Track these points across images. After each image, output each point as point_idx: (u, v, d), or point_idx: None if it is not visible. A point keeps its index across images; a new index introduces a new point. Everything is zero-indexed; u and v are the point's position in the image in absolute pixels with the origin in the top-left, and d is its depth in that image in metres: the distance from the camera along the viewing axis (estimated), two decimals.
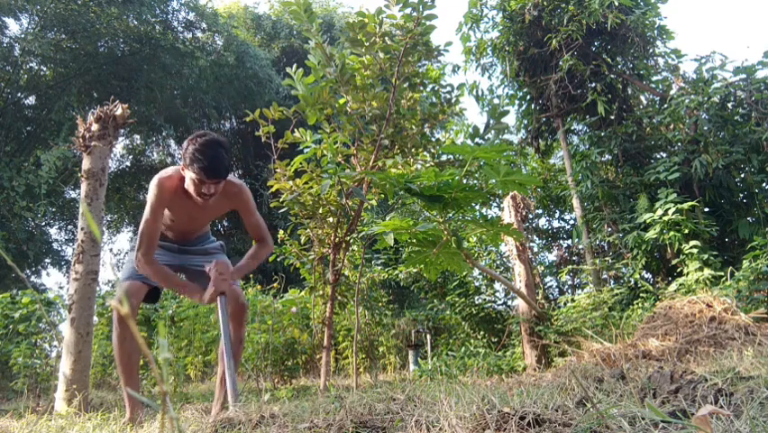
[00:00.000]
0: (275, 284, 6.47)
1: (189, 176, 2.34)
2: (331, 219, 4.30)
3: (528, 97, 8.63)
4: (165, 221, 2.61)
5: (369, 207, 5.33)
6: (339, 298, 4.64)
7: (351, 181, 4.00)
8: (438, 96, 4.29)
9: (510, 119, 9.90)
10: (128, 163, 16.56)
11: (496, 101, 8.71)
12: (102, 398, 4.38)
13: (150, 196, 2.43)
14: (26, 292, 6.24)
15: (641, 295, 6.12)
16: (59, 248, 13.98)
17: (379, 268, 6.97)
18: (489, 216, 6.16)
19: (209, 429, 1.58)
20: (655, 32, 7.48)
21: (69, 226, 14.30)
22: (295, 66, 4.12)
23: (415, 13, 3.76)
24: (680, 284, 5.68)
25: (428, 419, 1.39)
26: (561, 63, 7.55)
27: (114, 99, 3.94)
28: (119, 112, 3.80)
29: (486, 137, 4.12)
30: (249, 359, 5.44)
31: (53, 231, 14.39)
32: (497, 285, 7.55)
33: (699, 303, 4.17)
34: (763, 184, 6.46)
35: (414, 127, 4.21)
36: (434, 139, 4.49)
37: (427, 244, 3.40)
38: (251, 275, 8.29)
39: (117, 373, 2.51)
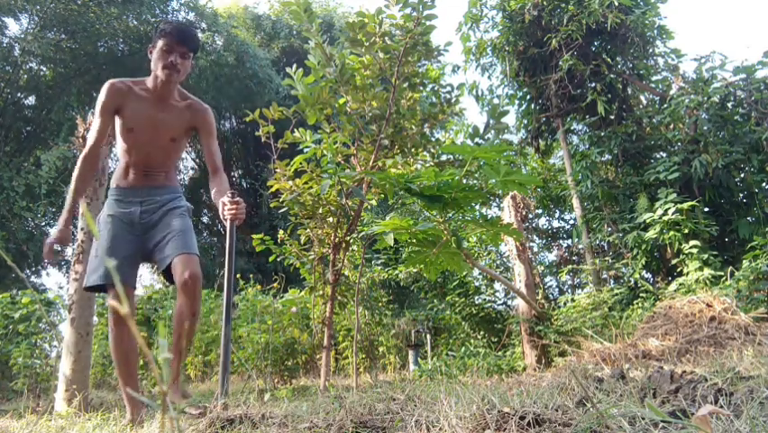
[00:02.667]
0: (275, 284, 6.47)
1: (157, 48, 2.37)
2: (331, 219, 4.30)
3: (528, 97, 8.63)
4: (125, 142, 2.43)
5: (369, 207, 5.33)
6: (339, 298, 4.64)
7: (351, 181, 4.00)
8: (438, 96, 4.29)
9: (510, 119, 9.90)
10: None
11: (496, 101, 8.71)
12: (102, 398, 4.38)
13: (99, 99, 2.39)
14: (26, 292, 6.24)
15: (641, 295, 6.12)
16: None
17: (379, 268, 6.97)
18: (489, 216, 6.16)
19: (209, 429, 1.58)
20: (655, 31, 7.49)
21: (69, 226, 14.28)
22: (295, 66, 4.12)
23: (415, 13, 3.76)
24: (680, 284, 5.68)
25: (428, 419, 1.39)
26: (560, 63, 7.55)
27: None
28: None
29: (486, 137, 4.12)
30: (249, 359, 5.44)
31: (53, 231, 14.39)
32: (497, 285, 7.55)
33: (699, 303, 4.17)
34: (763, 184, 6.46)
35: (414, 127, 4.21)
36: (433, 139, 4.49)
37: (427, 244, 3.40)
38: (251, 275, 8.28)
39: (116, 374, 2.45)
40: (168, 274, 2.39)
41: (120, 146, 2.48)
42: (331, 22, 15.81)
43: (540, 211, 9.77)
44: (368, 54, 4.01)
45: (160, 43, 2.37)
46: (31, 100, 13.00)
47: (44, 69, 12.59)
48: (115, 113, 2.42)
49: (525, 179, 3.01)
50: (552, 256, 10.18)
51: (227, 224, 2.37)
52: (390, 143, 4.18)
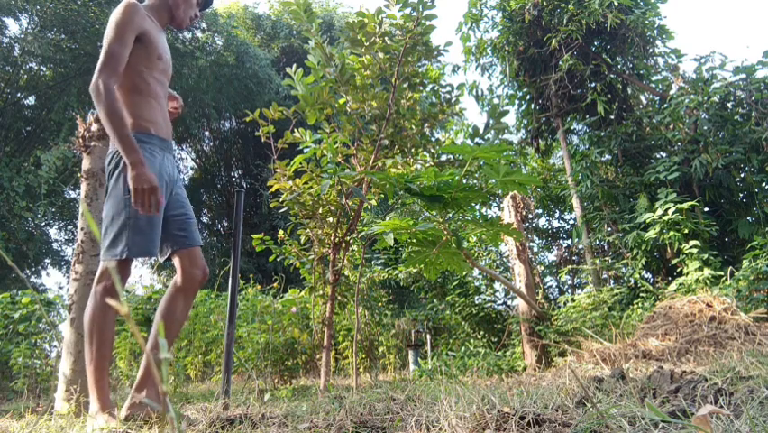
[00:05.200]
0: (275, 284, 6.47)
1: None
2: (331, 219, 4.30)
3: (528, 97, 8.63)
4: (153, 71, 2.16)
5: (369, 207, 5.33)
6: (339, 298, 4.64)
7: (351, 181, 4.00)
8: (438, 96, 4.29)
9: (510, 119, 9.92)
10: None
11: (495, 101, 8.71)
12: None
13: (116, 20, 2.04)
14: (26, 292, 6.24)
15: (641, 295, 6.12)
16: (59, 248, 13.98)
17: (379, 268, 6.97)
18: (489, 216, 6.16)
19: (209, 429, 1.58)
20: (655, 31, 7.49)
21: (69, 226, 14.30)
22: (294, 66, 4.12)
23: (414, 13, 3.77)
24: (679, 284, 5.68)
25: (428, 419, 1.39)
26: (560, 63, 7.55)
27: None
28: None
29: (486, 137, 4.12)
30: (249, 359, 5.44)
31: (53, 231, 14.40)
32: (497, 285, 7.55)
33: (698, 303, 4.17)
34: (763, 184, 6.46)
35: (414, 127, 4.21)
36: (433, 139, 4.49)
37: (427, 243, 3.40)
38: (251, 275, 8.28)
39: (90, 357, 1.96)
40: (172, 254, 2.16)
41: (139, 80, 2.14)
42: (331, 22, 15.81)
43: (540, 211, 9.78)
44: (368, 54, 4.01)
45: None
46: (31, 100, 13.01)
47: (44, 69, 12.59)
48: (136, 38, 2.11)
49: (524, 178, 3.02)
50: (552, 256, 10.19)
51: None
52: (390, 143, 4.18)
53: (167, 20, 2.36)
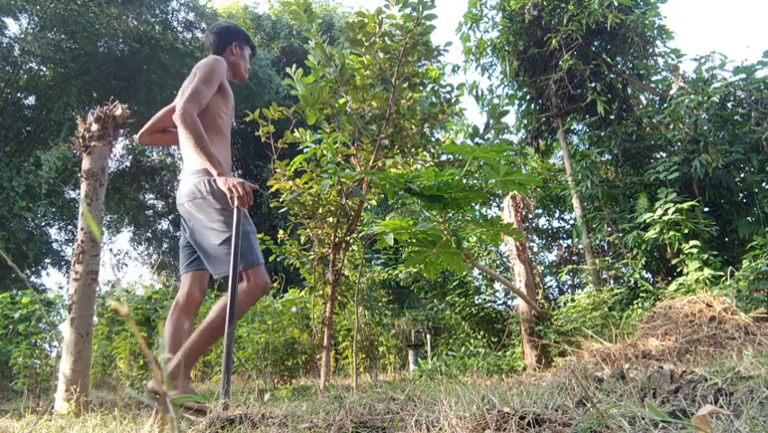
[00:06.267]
0: (275, 284, 6.47)
1: (246, 52, 2.72)
2: (331, 219, 4.30)
3: (528, 97, 8.63)
4: (225, 118, 2.49)
5: (369, 207, 5.33)
6: (339, 298, 4.64)
7: (351, 181, 4.00)
8: (438, 96, 4.29)
9: (510, 119, 9.92)
10: (128, 163, 16.57)
11: (495, 101, 8.71)
12: (102, 398, 4.38)
13: (209, 68, 2.42)
14: (26, 292, 6.24)
15: (641, 295, 6.12)
16: (59, 248, 13.98)
17: (379, 268, 6.97)
18: (489, 216, 6.16)
19: (209, 429, 1.58)
20: (655, 31, 7.49)
21: (69, 226, 14.30)
22: (295, 66, 4.12)
23: (414, 13, 3.76)
24: (679, 284, 5.68)
25: (428, 419, 1.39)
26: (560, 63, 7.55)
27: (113, 99, 3.94)
28: (119, 112, 3.80)
29: (486, 137, 4.12)
30: (249, 359, 5.44)
31: (53, 231, 14.39)
32: (497, 285, 7.55)
33: (698, 303, 4.17)
34: (763, 184, 6.46)
35: (414, 127, 4.21)
36: (433, 139, 4.49)
37: (427, 243, 3.40)
38: None
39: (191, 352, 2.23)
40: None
41: (219, 121, 2.49)
42: (331, 22, 15.80)
43: (540, 211, 9.78)
44: (368, 54, 4.01)
45: (248, 50, 2.73)
46: (31, 100, 13.01)
47: (44, 69, 12.59)
48: (219, 86, 2.48)
49: (524, 178, 3.02)
50: (552, 256, 10.19)
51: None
52: (390, 143, 4.18)
53: (230, 75, 2.70)
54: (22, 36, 11.28)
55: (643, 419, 1.21)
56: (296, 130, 4.23)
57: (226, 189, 2.20)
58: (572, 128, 8.76)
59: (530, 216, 7.90)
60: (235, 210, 2.32)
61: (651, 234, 6.11)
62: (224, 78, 2.48)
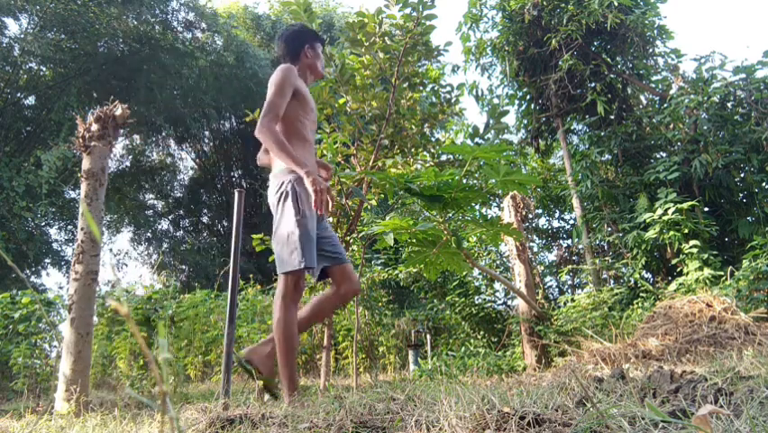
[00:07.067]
0: (275, 284, 6.46)
1: (319, 54, 2.76)
2: (331, 219, 4.30)
3: (528, 97, 8.63)
4: (306, 121, 2.55)
5: (369, 206, 5.33)
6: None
7: (350, 181, 4.00)
8: (438, 96, 4.29)
9: (510, 119, 9.91)
10: (128, 163, 16.56)
11: (495, 101, 8.71)
12: (102, 398, 4.38)
13: (280, 79, 2.48)
14: (26, 292, 6.24)
15: (641, 295, 6.12)
16: (59, 248, 13.97)
17: (379, 268, 6.97)
18: (489, 216, 6.16)
19: (209, 429, 1.58)
20: (655, 31, 7.48)
21: (69, 226, 14.30)
22: None
23: (414, 13, 3.77)
24: (679, 284, 5.68)
25: (428, 419, 1.39)
26: (560, 63, 7.55)
27: (113, 99, 3.94)
28: (119, 112, 3.80)
29: (486, 137, 4.12)
30: None
31: (53, 231, 14.38)
32: (497, 285, 7.55)
33: (698, 303, 4.16)
34: (763, 184, 6.46)
35: (414, 127, 4.21)
36: (433, 139, 4.49)
37: (427, 243, 3.40)
38: (250, 275, 8.28)
39: (279, 355, 2.40)
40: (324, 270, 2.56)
41: (299, 126, 2.55)
42: (331, 22, 15.81)
43: (540, 211, 9.77)
44: (368, 54, 4.01)
45: (319, 46, 2.79)
46: (31, 100, 13.00)
47: (44, 69, 12.58)
48: (293, 94, 2.54)
49: (524, 178, 3.02)
50: (552, 256, 10.18)
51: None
52: (390, 143, 4.18)
53: (310, 78, 2.80)
54: (22, 36, 11.28)
55: (643, 418, 1.21)
56: None
57: (312, 190, 2.27)
58: (572, 128, 8.76)
59: (530, 216, 7.90)
60: (235, 211, 2.34)
61: (651, 234, 6.11)
62: (297, 85, 2.53)
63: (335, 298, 2.56)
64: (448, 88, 4.31)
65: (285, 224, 2.38)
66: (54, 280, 19.39)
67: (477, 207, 3.93)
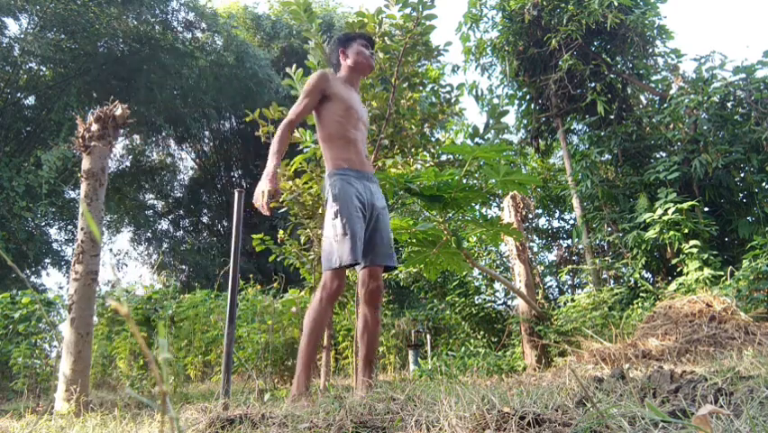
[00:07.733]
0: (275, 284, 6.47)
1: (355, 49, 2.76)
2: None
3: (528, 97, 8.63)
4: (345, 120, 2.58)
5: None
6: (339, 298, 4.63)
7: None
8: (438, 96, 4.29)
9: (510, 119, 9.90)
10: (128, 163, 16.56)
11: (495, 101, 8.71)
12: (102, 398, 4.38)
13: (305, 86, 2.60)
14: (26, 292, 6.24)
15: (641, 295, 6.12)
16: (59, 248, 13.96)
17: None
18: (489, 216, 6.16)
19: (209, 429, 1.58)
20: (655, 31, 7.48)
21: (69, 226, 14.29)
22: (294, 66, 4.13)
23: (414, 13, 3.76)
24: (679, 284, 5.68)
25: (428, 419, 1.39)
26: (560, 63, 7.55)
27: (113, 99, 3.94)
28: (119, 112, 3.80)
29: (486, 137, 4.12)
30: (249, 359, 5.44)
31: (53, 231, 14.37)
32: (497, 285, 7.55)
33: (698, 303, 4.17)
34: (763, 184, 6.46)
35: (413, 127, 4.21)
36: (433, 139, 4.50)
37: (427, 243, 3.40)
38: (250, 275, 8.28)
39: (302, 348, 2.41)
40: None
41: (334, 129, 2.60)
42: (331, 22, 15.79)
43: (540, 211, 9.77)
44: None
45: (355, 44, 2.78)
46: (31, 100, 12.99)
47: (44, 69, 12.58)
48: (322, 96, 2.60)
49: (524, 178, 3.02)
50: (552, 256, 10.19)
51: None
52: (390, 143, 4.18)
53: (356, 79, 2.81)
54: (22, 36, 11.27)
55: (643, 418, 1.21)
56: (296, 130, 4.23)
57: (256, 194, 2.43)
58: (572, 128, 8.76)
59: (530, 216, 7.90)
60: (235, 211, 2.36)
61: (651, 233, 6.11)
62: (328, 88, 2.59)
63: (364, 305, 2.55)
64: (448, 88, 4.31)
65: (326, 224, 2.47)
66: (54, 280, 19.40)
67: (477, 207, 3.93)
